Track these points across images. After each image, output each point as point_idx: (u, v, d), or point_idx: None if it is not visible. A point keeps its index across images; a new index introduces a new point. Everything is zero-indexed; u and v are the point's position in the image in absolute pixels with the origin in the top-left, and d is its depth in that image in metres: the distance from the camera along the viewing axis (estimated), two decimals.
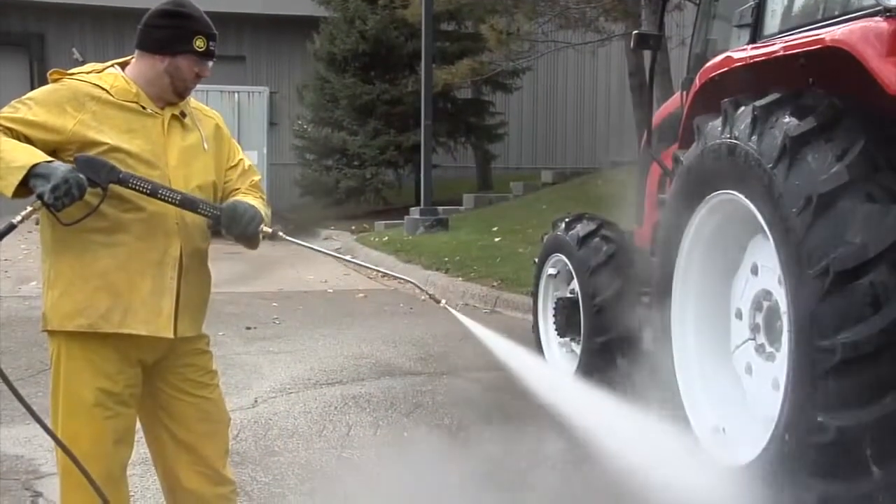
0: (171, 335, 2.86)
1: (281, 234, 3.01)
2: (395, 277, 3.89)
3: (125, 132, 2.81)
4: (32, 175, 2.58)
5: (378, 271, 4.24)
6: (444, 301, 3.42)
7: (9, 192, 2.61)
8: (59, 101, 2.76)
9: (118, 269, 2.79)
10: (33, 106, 2.75)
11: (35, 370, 6.23)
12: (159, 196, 2.78)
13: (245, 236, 2.90)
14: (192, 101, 3.05)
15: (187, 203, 2.83)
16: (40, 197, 2.57)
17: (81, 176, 2.62)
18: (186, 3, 2.93)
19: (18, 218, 2.58)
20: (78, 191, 2.61)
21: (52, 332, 2.84)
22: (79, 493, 2.82)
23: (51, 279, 2.82)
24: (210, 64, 2.96)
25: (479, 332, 3.64)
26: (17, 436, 4.97)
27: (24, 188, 2.60)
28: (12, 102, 2.79)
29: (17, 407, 5.41)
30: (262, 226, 2.92)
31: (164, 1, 2.94)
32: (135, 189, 2.75)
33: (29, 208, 2.61)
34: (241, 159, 3.13)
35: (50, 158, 2.64)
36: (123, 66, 2.96)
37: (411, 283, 3.77)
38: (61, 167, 2.60)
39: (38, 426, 2.82)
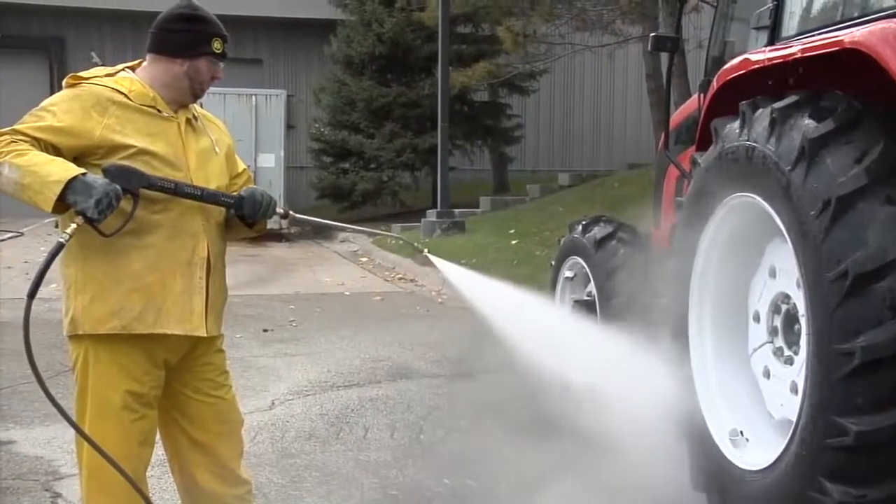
0: (204, 333, 2.91)
1: (292, 213, 3.24)
2: (379, 234, 4.22)
3: (146, 135, 2.83)
4: (70, 191, 2.61)
5: (368, 232, 4.44)
6: (426, 250, 3.74)
7: (48, 206, 2.64)
8: (84, 105, 2.78)
9: (150, 270, 2.81)
10: (58, 112, 2.76)
11: (54, 372, 6.26)
12: (184, 193, 2.84)
13: (265, 219, 3.04)
14: (195, 107, 3.08)
15: (209, 196, 2.90)
16: (83, 213, 2.61)
17: (117, 186, 2.67)
18: (197, 6, 2.96)
19: (66, 236, 2.64)
20: (116, 201, 2.66)
21: (78, 336, 2.86)
22: (104, 496, 2.85)
23: (79, 283, 2.83)
24: (222, 65, 2.99)
25: (453, 274, 3.87)
26: (37, 437, 5.01)
27: (60, 202, 2.63)
28: (33, 111, 2.79)
29: (36, 409, 5.48)
30: (277, 209, 3.07)
31: (176, 5, 2.96)
32: (161, 190, 2.80)
33: (73, 225, 2.64)
34: (244, 168, 3.22)
35: (83, 170, 2.66)
36: (133, 69, 2.97)
37: (393, 236, 3.96)
38: (98, 181, 2.64)
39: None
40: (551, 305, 4.68)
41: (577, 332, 4.33)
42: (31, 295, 2.66)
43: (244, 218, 3.00)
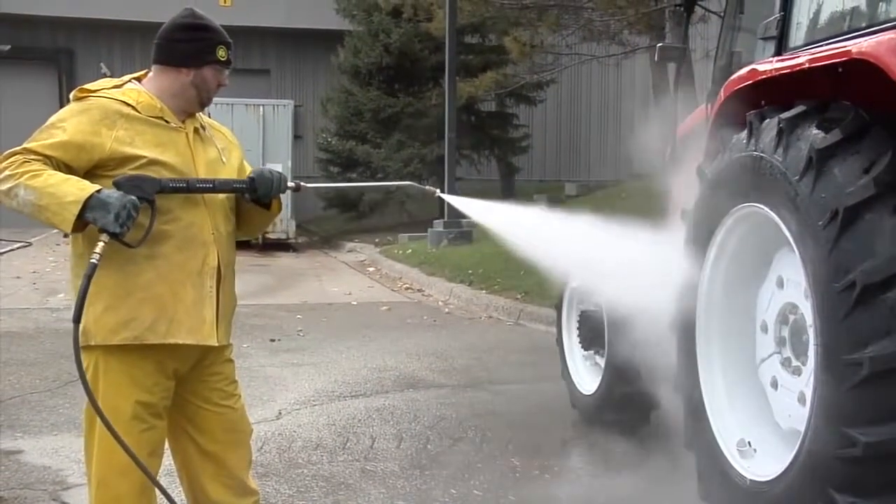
0: (215, 343, 2.91)
1: (303, 184, 3.24)
2: (395, 186, 4.22)
3: (156, 146, 2.84)
4: (87, 209, 2.63)
5: (382, 187, 4.32)
6: (438, 190, 3.74)
7: (68, 227, 2.66)
8: (92, 119, 2.79)
9: (161, 280, 2.82)
10: (68, 128, 2.77)
11: (62, 381, 6.29)
12: (197, 188, 2.86)
13: (279, 195, 3.04)
14: (202, 116, 3.08)
15: (221, 185, 2.93)
16: (105, 229, 2.64)
17: (132, 197, 2.68)
18: (200, 14, 2.97)
19: (97, 257, 2.66)
20: (135, 212, 2.67)
21: (89, 347, 2.86)
22: None
23: (90, 294, 2.83)
24: (228, 72, 3.00)
25: (473, 209, 3.98)
26: (45, 447, 5.01)
27: (79, 221, 2.65)
28: (43, 128, 2.80)
29: (44, 418, 5.48)
30: (289, 183, 3.08)
31: (178, 14, 2.97)
32: (175, 190, 2.81)
33: (101, 244, 2.66)
34: None
35: (98, 187, 2.67)
36: (139, 80, 2.98)
37: (405, 185, 3.95)
38: (113, 195, 2.65)
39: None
40: (575, 218, 4.67)
41: (602, 238, 4.34)
42: (77, 320, 2.69)
43: (259, 201, 3.01)
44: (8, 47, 21.02)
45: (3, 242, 14.82)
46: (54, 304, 9.74)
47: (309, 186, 3.32)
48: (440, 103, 16.03)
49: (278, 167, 18.69)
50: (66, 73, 21.64)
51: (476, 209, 4.14)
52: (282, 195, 3.07)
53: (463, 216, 15.53)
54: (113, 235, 2.65)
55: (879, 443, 2.92)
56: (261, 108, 17.55)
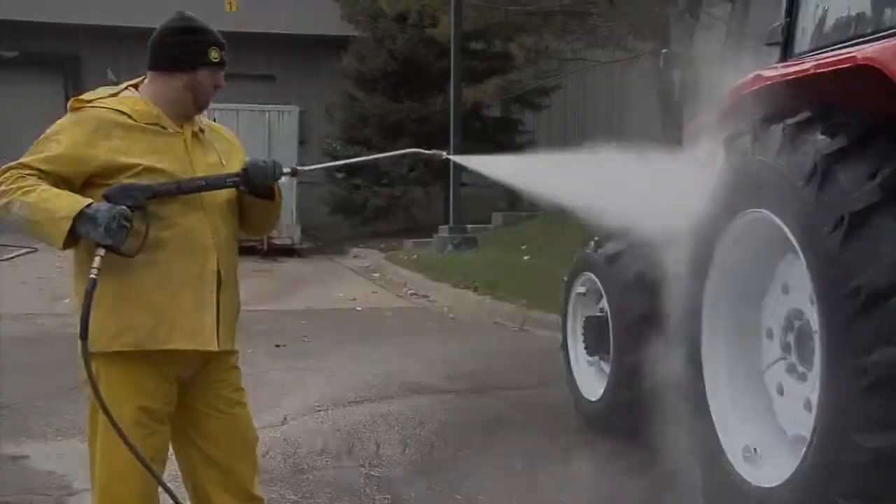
0: (215, 348, 2.90)
1: (299, 168, 3.20)
2: (397, 154, 4.14)
3: (153, 153, 2.84)
4: (78, 224, 2.63)
5: (400, 153, 4.16)
6: (444, 153, 3.66)
7: (59, 243, 2.67)
8: (87, 131, 2.79)
9: (160, 286, 2.82)
10: (62, 140, 2.78)
11: (67, 387, 6.28)
12: (189, 188, 2.83)
13: (276, 181, 2.98)
14: (202, 118, 3.07)
15: (214, 182, 2.89)
16: (98, 242, 2.64)
17: (121, 206, 2.68)
18: (191, 17, 2.96)
19: (95, 271, 2.66)
20: (126, 221, 2.67)
21: (90, 354, 2.86)
22: None
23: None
24: (223, 73, 2.99)
25: (484, 166, 3.92)
26: (49, 452, 5.02)
27: (71, 237, 2.65)
28: (39, 141, 2.81)
29: (49, 423, 5.50)
30: (283, 168, 3.01)
31: (170, 19, 2.96)
32: (167, 194, 2.80)
33: (98, 258, 2.66)
34: None
35: (89, 201, 2.67)
36: (136, 87, 2.98)
37: (412, 152, 3.89)
38: (101, 208, 2.65)
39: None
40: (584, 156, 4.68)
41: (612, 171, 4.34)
42: (84, 337, 2.69)
43: (257, 192, 2.97)
44: (15, 53, 21.09)
45: (9, 248, 14.88)
46: (60, 310, 9.75)
47: (305, 169, 3.28)
48: (445, 109, 16.04)
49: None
50: (71, 79, 21.68)
51: (487, 165, 4.13)
52: (284, 195, 3.06)
53: (467, 221, 15.61)
54: (108, 247, 2.65)
55: (885, 449, 2.91)
56: (266, 113, 17.58)
